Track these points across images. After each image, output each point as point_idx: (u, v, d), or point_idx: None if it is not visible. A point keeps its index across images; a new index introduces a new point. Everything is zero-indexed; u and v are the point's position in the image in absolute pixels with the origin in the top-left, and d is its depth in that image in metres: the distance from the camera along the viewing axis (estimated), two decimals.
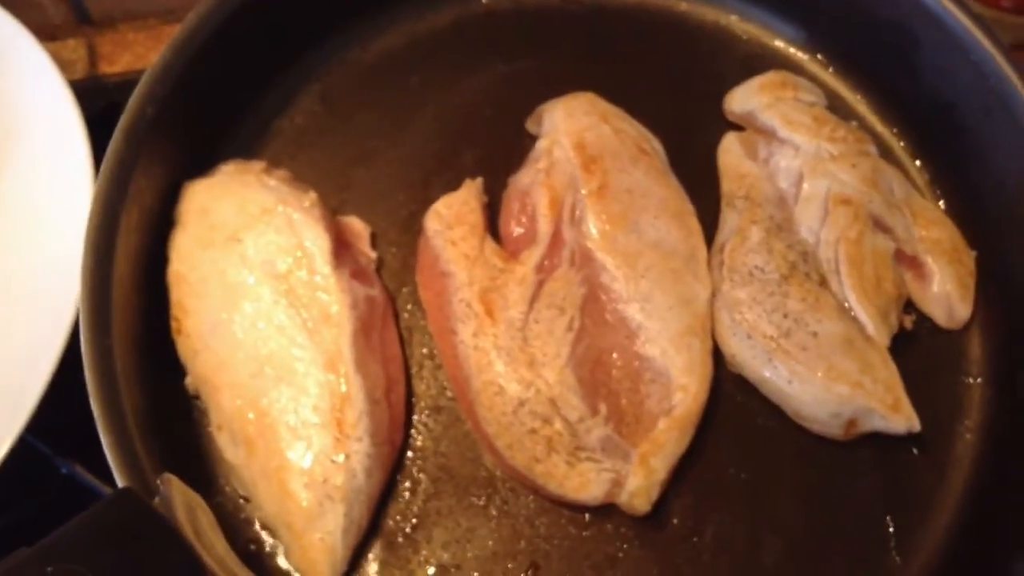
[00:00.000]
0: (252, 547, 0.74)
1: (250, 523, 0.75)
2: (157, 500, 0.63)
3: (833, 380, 0.75)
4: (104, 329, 0.70)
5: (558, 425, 0.75)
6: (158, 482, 0.65)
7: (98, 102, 0.96)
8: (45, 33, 0.94)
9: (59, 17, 1.10)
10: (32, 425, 0.74)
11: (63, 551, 0.58)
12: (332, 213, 0.83)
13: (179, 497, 0.64)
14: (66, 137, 0.84)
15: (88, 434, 0.72)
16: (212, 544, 0.64)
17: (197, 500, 0.66)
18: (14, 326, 0.77)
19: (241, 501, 0.75)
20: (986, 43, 0.82)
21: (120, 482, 0.65)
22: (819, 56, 0.94)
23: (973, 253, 0.84)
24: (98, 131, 0.86)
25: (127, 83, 1.05)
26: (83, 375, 0.71)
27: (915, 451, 0.78)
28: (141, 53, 1.10)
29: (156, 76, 0.79)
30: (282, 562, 0.73)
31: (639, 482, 0.73)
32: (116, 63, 1.09)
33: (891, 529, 0.76)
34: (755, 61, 0.93)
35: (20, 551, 0.58)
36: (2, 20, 0.90)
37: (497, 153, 0.89)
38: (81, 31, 1.11)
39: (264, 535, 0.74)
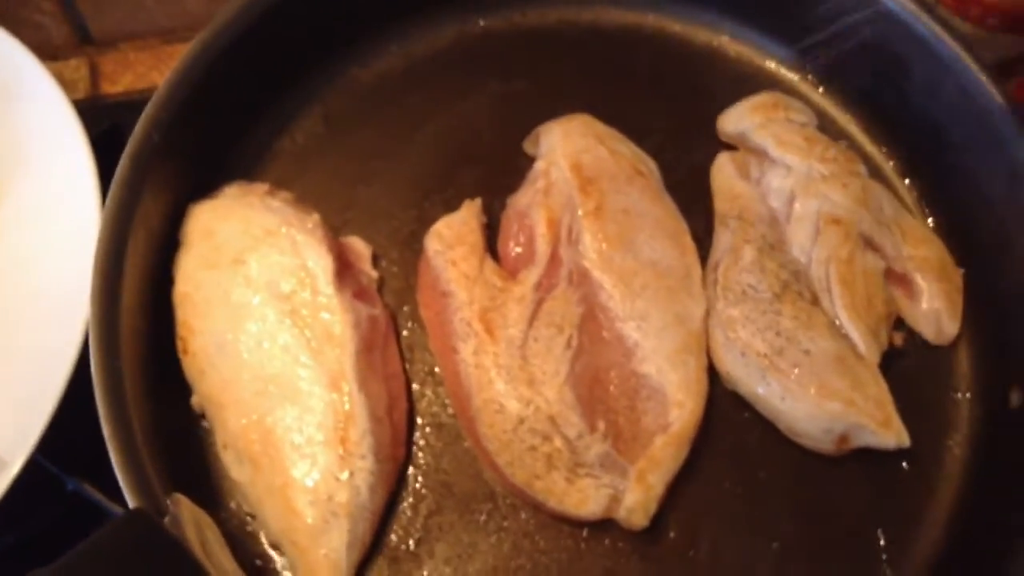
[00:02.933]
0: (258, 563, 0.75)
1: (256, 540, 0.76)
2: (167, 519, 0.65)
3: (825, 397, 0.77)
4: (113, 351, 0.71)
5: (557, 442, 0.76)
6: (168, 502, 0.66)
7: (100, 121, 0.98)
8: (47, 53, 0.95)
9: (61, 37, 1.11)
10: (41, 445, 0.75)
11: (76, 572, 0.59)
12: (334, 233, 0.85)
13: (188, 516, 0.66)
14: (71, 159, 0.85)
15: (94, 452, 0.74)
16: (221, 562, 0.66)
17: (205, 519, 0.68)
18: (23, 348, 0.79)
19: (247, 518, 0.77)
20: (971, 65, 0.84)
21: (131, 502, 0.67)
22: (809, 77, 0.96)
23: (961, 271, 0.86)
24: (101, 150, 0.87)
25: (129, 103, 1.08)
26: (89, 395, 0.72)
27: (905, 465, 0.80)
28: (143, 72, 1.11)
29: (161, 102, 0.80)
30: None
31: (637, 497, 0.75)
32: (118, 83, 1.11)
33: (882, 542, 0.78)
34: (747, 81, 0.95)
35: (35, 572, 0.60)
36: (5, 42, 0.91)
37: (495, 173, 0.91)
38: (83, 51, 1.12)
39: (270, 552, 0.76)
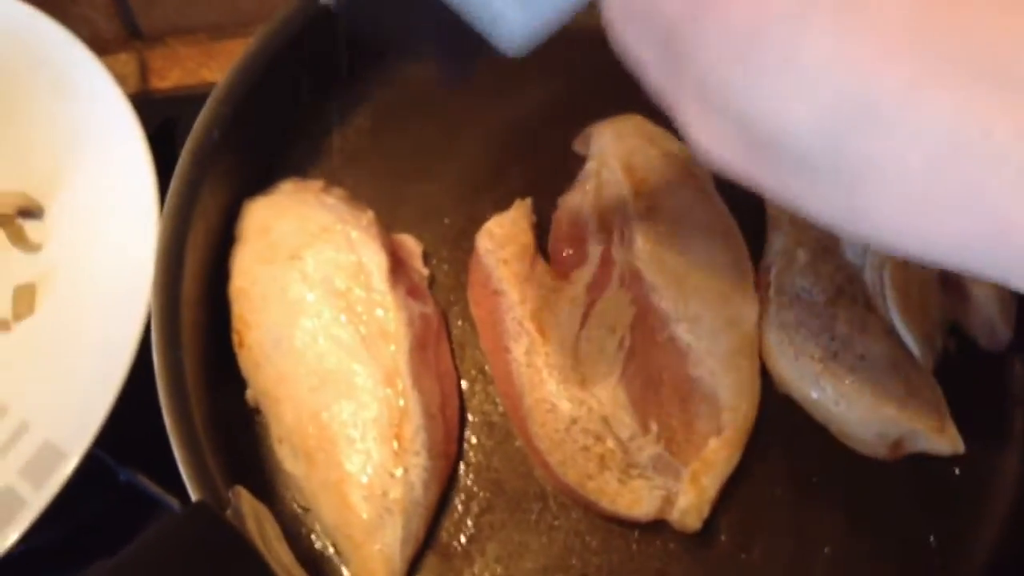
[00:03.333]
0: (312, 557, 0.76)
1: (309, 534, 0.77)
2: (229, 512, 0.65)
3: (880, 402, 0.77)
4: (175, 342, 0.72)
5: (610, 443, 0.77)
6: (230, 494, 0.67)
7: (150, 116, 0.98)
8: (96, 47, 0.95)
9: (110, 32, 1.12)
10: (97, 438, 0.76)
11: (143, 564, 0.60)
12: (386, 230, 0.85)
13: (249, 509, 0.66)
14: (128, 153, 0.85)
15: (148, 443, 0.75)
16: (279, 555, 0.66)
17: (264, 512, 0.68)
18: (84, 342, 0.79)
19: (300, 512, 0.77)
20: None
21: (193, 495, 0.67)
22: None
23: None
24: (153, 145, 0.88)
25: (178, 98, 1.09)
26: (144, 387, 0.73)
27: (958, 472, 0.80)
28: (192, 68, 1.12)
29: (221, 98, 0.81)
30: (341, 572, 0.75)
31: (691, 500, 0.75)
32: (167, 78, 1.11)
33: (935, 549, 0.78)
34: None
35: (100, 563, 0.60)
36: (61, 37, 0.92)
37: (545, 173, 0.91)
38: (132, 46, 1.13)
39: (323, 545, 0.76)
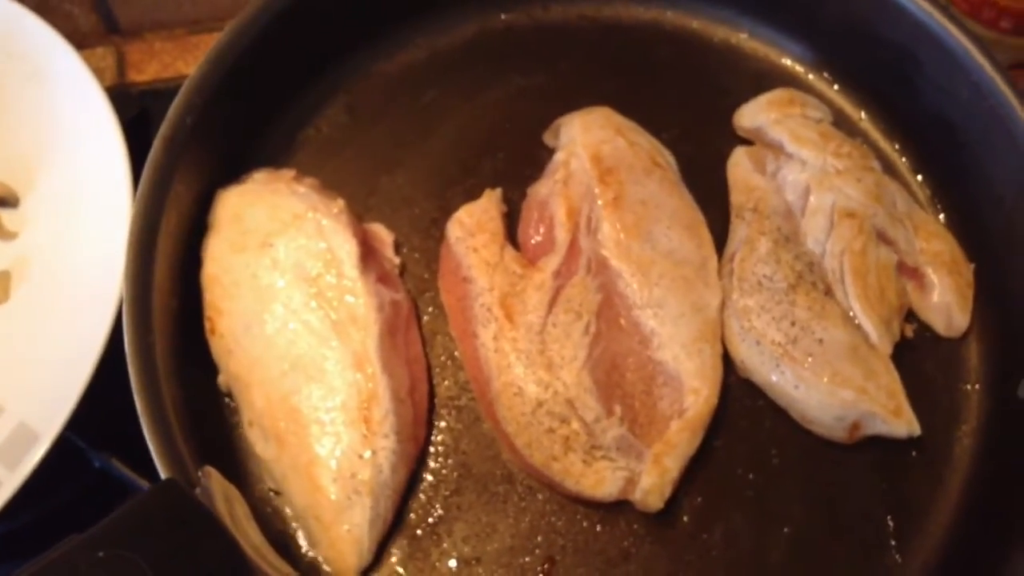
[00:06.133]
0: (282, 539, 0.77)
1: (279, 516, 0.78)
2: (198, 491, 0.67)
3: (838, 385, 0.78)
4: (146, 328, 0.73)
5: (575, 425, 0.78)
6: (199, 474, 0.68)
7: (127, 108, 1.00)
8: (75, 41, 0.96)
9: (88, 26, 1.13)
10: (71, 421, 0.77)
11: (113, 538, 0.61)
12: (358, 219, 0.87)
13: (218, 489, 0.67)
14: (103, 142, 0.87)
15: (123, 430, 0.76)
16: (248, 534, 0.68)
17: (234, 492, 0.69)
18: (58, 326, 0.81)
19: (271, 495, 0.79)
20: (984, 63, 0.85)
21: (163, 473, 0.68)
22: (825, 74, 0.97)
23: (972, 265, 0.87)
24: (128, 136, 0.89)
25: (155, 91, 1.10)
26: (118, 374, 0.74)
27: (915, 454, 0.82)
28: (168, 62, 1.13)
29: (195, 86, 0.82)
30: (310, 553, 0.77)
31: (653, 480, 0.76)
32: (144, 71, 1.13)
33: (892, 529, 0.80)
34: (764, 78, 0.97)
35: (71, 537, 0.61)
36: (40, 30, 0.93)
37: (516, 163, 0.93)
38: (110, 40, 1.14)
39: (293, 527, 0.78)
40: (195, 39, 1.14)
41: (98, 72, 1.07)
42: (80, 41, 1.12)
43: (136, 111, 0.99)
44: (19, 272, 0.86)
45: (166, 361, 0.75)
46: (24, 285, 0.85)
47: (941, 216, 0.92)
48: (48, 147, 0.90)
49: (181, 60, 1.13)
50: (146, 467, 0.72)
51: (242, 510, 0.69)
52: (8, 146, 0.91)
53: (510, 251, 0.86)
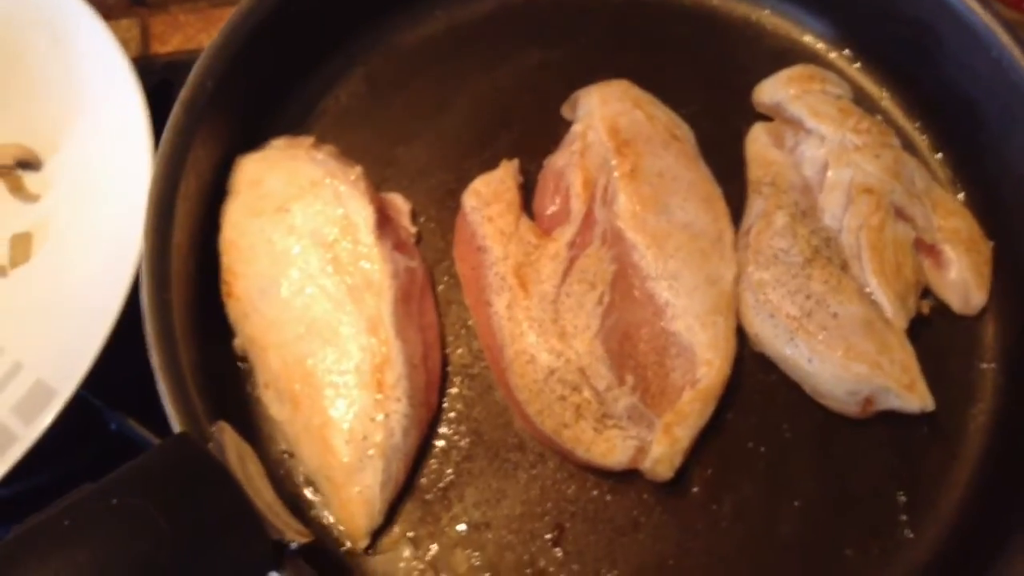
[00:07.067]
0: (294, 500, 0.78)
1: (292, 478, 0.79)
2: (211, 445, 0.67)
3: (852, 359, 0.78)
4: (163, 285, 0.74)
5: (586, 393, 0.78)
6: (212, 429, 0.69)
7: (150, 79, 1.00)
8: (100, 13, 0.97)
9: None
10: (88, 381, 0.78)
11: (126, 486, 0.62)
12: (375, 189, 0.87)
13: (231, 444, 0.68)
14: (126, 108, 0.88)
15: (140, 390, 0.77)
16: (260, 490, 0.68)
17: (247, 449, 0.70)
18: (76, 288, 0.82)
19: (285, 457, 0.79)
20: (1007, 41, 0.85)
21: (176, 427, 0.69)
22: (846, 51, 0.97)
23: (990, 243, 0.87)
24: (150, 106, 0.90)
25: (178, 63, 1.10)
26: (135, 336, 0.75)
27: (928, 430, 0.81)
28: (191, 34, 1.14)
29: (216, 52, 0.83)
30: (322, 514, 0.77)
31: (663, 449, 0.76)
32: (168, 43, 1.14)
33: (903, 504, 0.79)
34: (784, 54, 0.96)
35: (85, 486, 0.62)
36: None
37: (532, 136, 0.93)
38: (135, 12, 1.15)
39: (306, 489, 0.78)
40: (218, 12, 1.15)
41: (123, 43, 1.08)
42: (106, 13, 1.13)
43: (159, 79, 1.00)
44: (40, 234, 0.87)
45: (183, 321, 0.76)
46: (45, 246, 0.87)
47: (961, 194, 0.91)
48: (71, 112, 0.91)
49: (204, 33, 1.14)
50: (162, 429, 0.73)
51: (255, 467, 0.70)
52: (32, 110, 0.93)
53: (525, 221, 0.86)
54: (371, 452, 0.76)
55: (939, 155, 0.93)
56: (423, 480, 0.79)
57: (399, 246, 0.84)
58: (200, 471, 0.64)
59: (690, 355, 0.80)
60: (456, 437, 0.81)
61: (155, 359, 0.71)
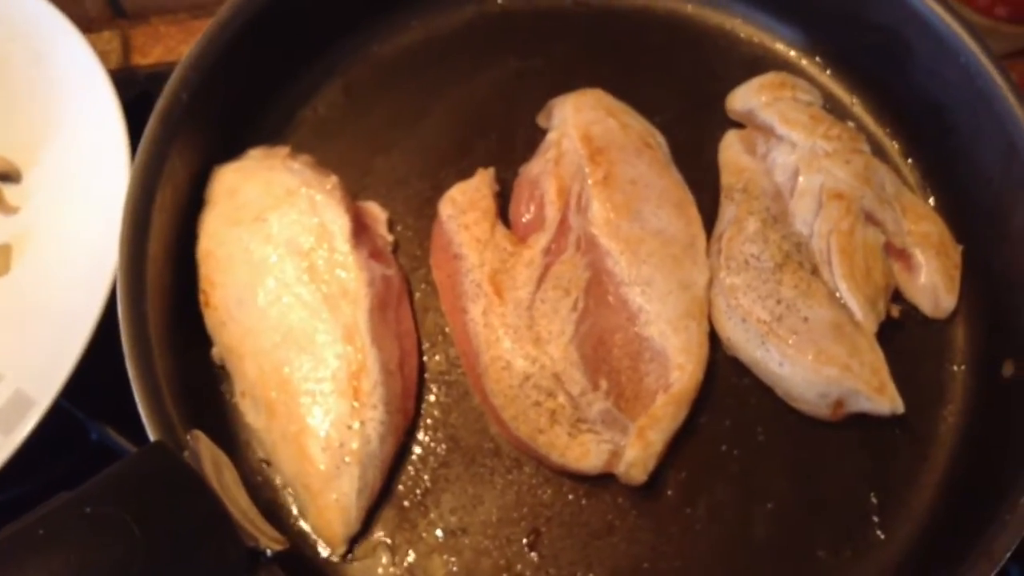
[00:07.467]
0: (271, 507, 0.78)
1: (269, 486, 0.79)
2: (186, 454, 0.68)
3: (822, 363, 0.79)
4: (139, 296, 0.75)
5: (561, 398, 0.79)
6: (188, 437, 0.69)
7: (130, 91, 1.01)
8: (81, 25, 0.98)
9: (95, 10, 1.15)
10: (66, 390, 0.79)
11: (100, 495, 0.63)
12: (352, 198, 0.88)
13: (207, 452, 0.69)
14: (104, 121, 0.88)
15: (118, 402, 0.77)
16: (236, 498, 0.69)
17: (223, 457, 0.71)
18: (55, 299, 0.83)
19: (262, 465, 0.80)
20: (974, 47, 0.86)
21: (152, 436, 0.70)
22: (817, 59, 0.98)
23: (960, 247, 0.88)
24: (130, 118, 0.91)
25: (159, 74, 1.10)
26: (114, 346, 0.75)
27: (899, 432, 0.82)
28: (172, 46, 1.15)
29: (191, 63, 0.84)
30: (299, 522, 0.78)
31: (636, 453, 0.77)
32: (148, 55, 1.14)
33: (875, 506, 0.80)
34: (756, 62, 0.98)
35: (61, 495, 0.63)
36: (47, 13, 0.95)
37: (508, 145, 0.94)
38: (115, 24, 1.16)
39: (283, 496, 0.79)
40: (199, 23, 1.16)
41: (103, 55, 1.09)
42: (86, 25, 1.14)
43: (138, 91, 1.01)
44: (20, 246, 0.88)
45: (159, 331, 0.77)
46: (24, 258, 0.87)
47: (931, 199, 0.92)
48: (50, 125, 0.92)
49: (185, 44, 1.15)
50: (141, 439, 0.73)
51: (231, 475, 0.71)
52: (12, 123, 0.93)
53: (501, 229, 0.87)
54: (347, 459, 0.76)
55: (909, 160, 0.94)
56: (400, 487, 0.80)
57: (375, 254, 0.85)
58: (175, 479, 0.65)
59: (663, 359, 0.81)
60: (433, 444, 0.82)
61: (131, 369, 0.72)
